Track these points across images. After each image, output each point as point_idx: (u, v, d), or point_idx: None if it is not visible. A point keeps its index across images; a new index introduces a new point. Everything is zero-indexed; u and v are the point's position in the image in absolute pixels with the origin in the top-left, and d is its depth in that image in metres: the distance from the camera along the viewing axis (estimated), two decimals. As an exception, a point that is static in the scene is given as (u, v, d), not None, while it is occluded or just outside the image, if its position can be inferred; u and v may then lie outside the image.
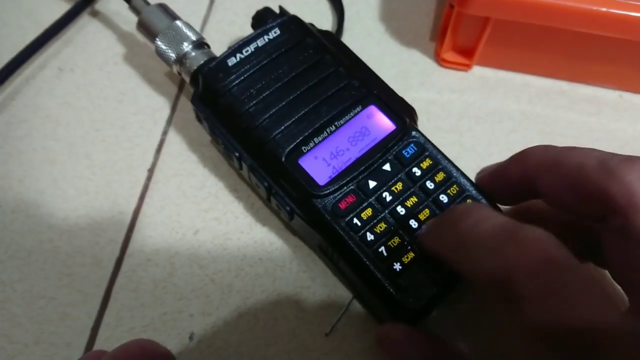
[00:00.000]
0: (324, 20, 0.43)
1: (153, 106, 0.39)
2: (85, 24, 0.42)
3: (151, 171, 0.36)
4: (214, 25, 0.42)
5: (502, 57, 0.40)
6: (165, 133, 0.38)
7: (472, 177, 0.30)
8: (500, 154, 0.37)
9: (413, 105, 0.32)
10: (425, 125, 0.38)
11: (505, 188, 0.28)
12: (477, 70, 0.40)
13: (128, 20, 0.41)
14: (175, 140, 0.37)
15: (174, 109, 0.39)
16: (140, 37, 0.36)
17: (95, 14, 0.42)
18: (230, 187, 0.36)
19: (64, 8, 0.41)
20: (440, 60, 0.40)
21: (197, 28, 0.41)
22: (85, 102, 0.39)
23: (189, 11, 0.41)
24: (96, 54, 0.41)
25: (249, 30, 0.36)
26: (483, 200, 0.28)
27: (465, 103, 0.39)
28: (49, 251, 0.33)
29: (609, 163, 0.23)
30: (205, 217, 0.35)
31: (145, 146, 0.37)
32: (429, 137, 0.30)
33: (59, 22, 0.39)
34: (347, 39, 0.41)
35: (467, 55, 0.40)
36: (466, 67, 0.40)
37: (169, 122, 0.38)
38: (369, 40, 0.42)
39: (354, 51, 0.34)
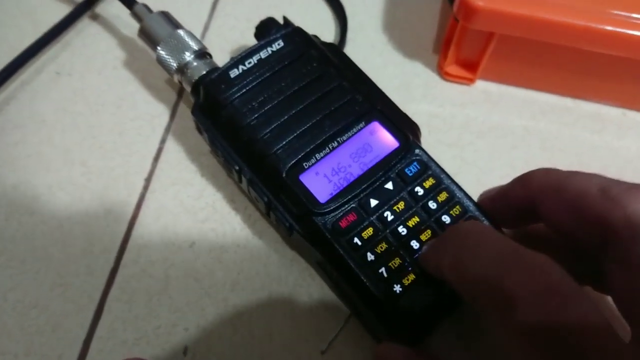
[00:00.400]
0: (326, 30, 0.42)
1: (152, 112, 0.38)
2: (84, 27, 0.41)
3: (148, 180, 0.36)
4: (215, 30, 0.42)
5: (505, 72, 0.39)
6: (163, 141, 0.37)
7: (473, 193, 0.29)
8: (501, 170, 0.37)
9: (414, 118, 0.32)
10: (427, 138, 0.37)
11: (508, 210, 0.27)
12: (480, 84, 0.40)
13: (128, 24, 0.40)
14: (173, 149, 0.37)
15: (173, 116, 0.38)
16: (140, 42, 0.35)
17: (95, 17, 0.42)
18: (228, 198, 0.35)
19: (62, 8, 0.41)
20: (443, 74, 0.40)
21: (198, 33, 0.41)
22: (82, 107, 0.38)
23: (190, 16, 0.41)
24: (95, 58, 0.40)
25: (250, 37, 0.36)
26: (485, 222, 0.28)
27: (468, 117, 0.39)
28: (42, 260, 0.33)
29: (611, 191, 0.22)
30: (202, 228, 0.34)
31: (142, 153, 0.36)
32: (430, 151, 0.30)
33: (58, 25, 0.39)
34: (349, 49, 0.41)
35: (470, 69, 0.39)
36: (469, 81, 0.40)
37: (168, 129, 0.37)
38: (372, 51, 0.41)
39: (357, 62, 0.33)
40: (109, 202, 0.35)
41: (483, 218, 0.28)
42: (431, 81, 0.40)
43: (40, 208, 0.34)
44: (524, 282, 0.20)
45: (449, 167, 0.30)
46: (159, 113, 0.38)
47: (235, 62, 0.31)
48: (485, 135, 0.38)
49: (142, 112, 0.38)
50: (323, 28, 0.42)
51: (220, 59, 0.35)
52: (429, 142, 0.33)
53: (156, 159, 0.36)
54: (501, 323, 0.21)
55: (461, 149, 0.38)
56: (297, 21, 0.35)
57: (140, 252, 0.33)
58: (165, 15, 0.34)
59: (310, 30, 0.34)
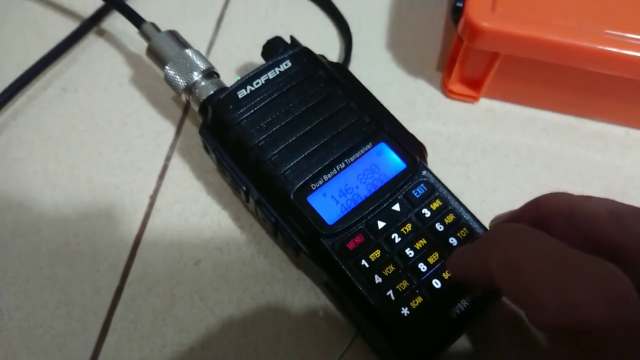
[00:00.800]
0: (330, 47, 0.42)
1: (157, 129, 0.38)
2: (90, 44, 0.41)
3: (153, 197, 0.36)
4: (221, 47, 0.42)
5: (509, 90, 0.40)
6: (168, 158, 0.37)
7: (478, 211, 0.29)
8: (505, 188, 0.37)
9: (418, 136, 0.32)
10: (431, 157, 0.37)
11: None
12: (484, 103, 0.40)
13: (134, 40, 0.40)
14: (178, 166, 0.37)
15: (178, 133, 0.38)
16: (146, 59, 0.36)
17: (101, 34, 0.42)
18: (234, 216, 0.35)
19: (67, 23, 0.41)
20: (447, 92, 0.40)
21: (204, 50, 0.41)
22: (88, 123, 0.38)
23: (196, 33, 0.41)
24: (101, 74, 0.40)
25: (255, 54, 0.36)
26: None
27: (472, 135, 0.39)
28: (47, 278, 0.33)
29: (623, 217, 0.23)
30: (207, 246, 0.34)
31: (148, 171, 0.37)
32: (434, 169, 0.30)
33: (65, 41, 0.39)
34: (353, 66, 0.41)
35: (474, 87, 0.40)
36: (473, 99, 0.40)
37: (173, 147, 0.37)
38: (376, 68, 0.41)
39: (361, 79, 0.33)
40: (115, 220, 0.35)
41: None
42: (435, 99, 0.40)
43: (46, 225, 0.34)
44: (593, 288, 0.19)
45: (453, 185, 0.30)
46: (164, 130, 0.38)
47: (243, 82, 0.31)
48: (489, 153, 0.38)
49: (148, 129, 0.38)
50: (327, 45, 0.42)
51: (226, 75, 0.35)
52: (433, 161, 0.33)
53: (161, 176, 0.36)
54: (558, 327, 0.20)
55: (466, 168, 0.38)
56: (301, 37, 0.35)
57: (146, 270, 0.33)
58: (173, 35, 0.34)
59: (314, 47, 0.34)
